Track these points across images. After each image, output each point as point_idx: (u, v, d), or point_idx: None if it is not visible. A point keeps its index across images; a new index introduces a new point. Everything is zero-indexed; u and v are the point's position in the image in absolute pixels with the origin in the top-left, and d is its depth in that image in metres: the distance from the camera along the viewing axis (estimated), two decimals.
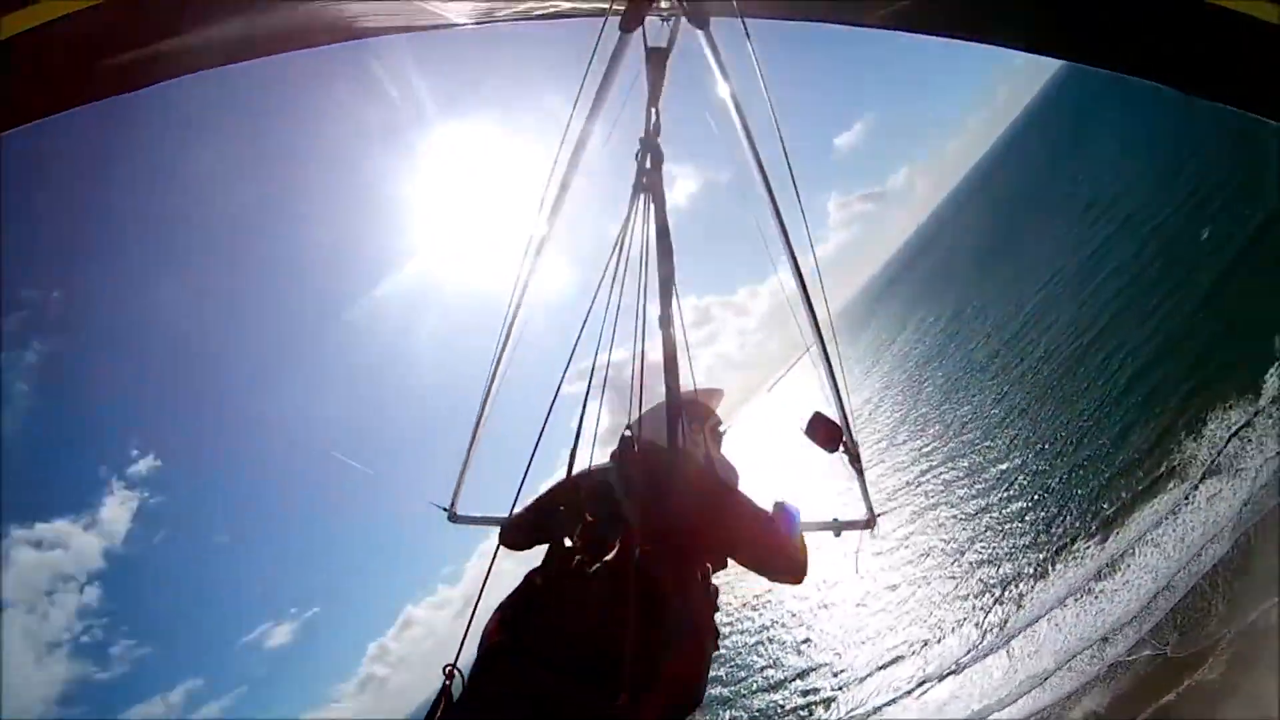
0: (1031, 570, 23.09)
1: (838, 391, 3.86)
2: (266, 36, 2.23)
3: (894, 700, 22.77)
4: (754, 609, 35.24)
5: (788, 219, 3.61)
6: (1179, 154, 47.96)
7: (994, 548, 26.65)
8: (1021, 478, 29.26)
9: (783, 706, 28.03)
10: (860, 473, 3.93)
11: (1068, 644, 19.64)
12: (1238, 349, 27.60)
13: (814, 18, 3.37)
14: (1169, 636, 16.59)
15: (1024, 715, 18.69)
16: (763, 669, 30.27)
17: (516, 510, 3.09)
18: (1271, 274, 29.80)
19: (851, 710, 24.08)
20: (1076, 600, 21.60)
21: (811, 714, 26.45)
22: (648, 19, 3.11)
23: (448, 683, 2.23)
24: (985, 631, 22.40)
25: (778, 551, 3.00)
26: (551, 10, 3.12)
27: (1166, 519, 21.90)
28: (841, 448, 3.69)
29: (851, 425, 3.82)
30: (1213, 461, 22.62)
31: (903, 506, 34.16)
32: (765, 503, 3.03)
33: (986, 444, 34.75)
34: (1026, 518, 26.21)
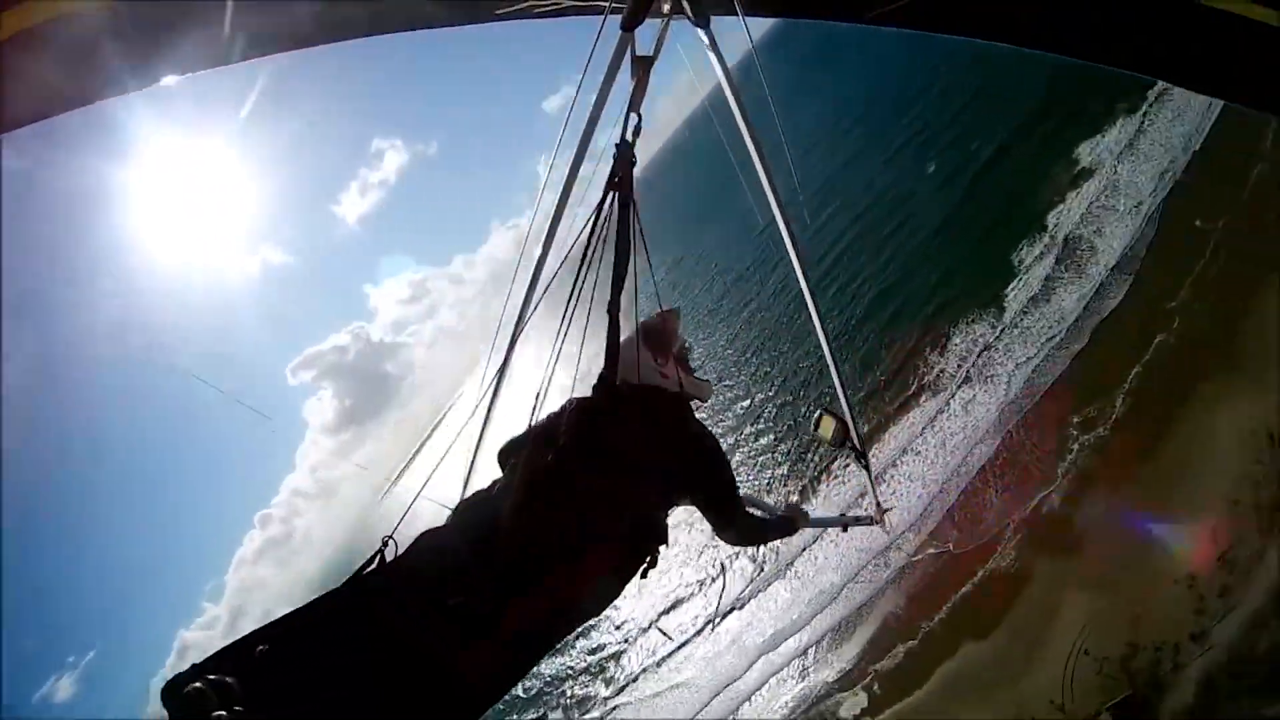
0: (797, 497, 24.63)
1: (843, 393, 3.89)
2: (270, 35, 1.85)
3: (686, 643, 23.93)
4: None
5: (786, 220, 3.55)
6: (906, 92, 55.49)
7: (753, 481, 28.46)
8: (769, 410, 31.83)
9: (573, 669, 28.70)
10: (867, 469, 4.00)
11: (850, 559, 21.27)
12: (977, 271, 32.36)
13: (814, 14, 3.30)
14: (949, 535, 19.06)
15: (823, 630, 20.20)
16: None
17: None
18: (999, 200, 35.81)
19: (645, 661, 25.22)
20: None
21: (604, 670, 27.12)
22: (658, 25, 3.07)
23: (383, 549, 2.40)
24: (761, 563, 23.93)
25: (729, 526, 3.33)
26: (551, 7, 2.76)
27: (926, 429, 24.98)
28: (847, 445, 3.79)
29: (856, 425, 3.86)
30: (964, 373, 26.48)
31: None
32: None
33: (725, 384, 37.00)
34: (780, 448, 28.49)
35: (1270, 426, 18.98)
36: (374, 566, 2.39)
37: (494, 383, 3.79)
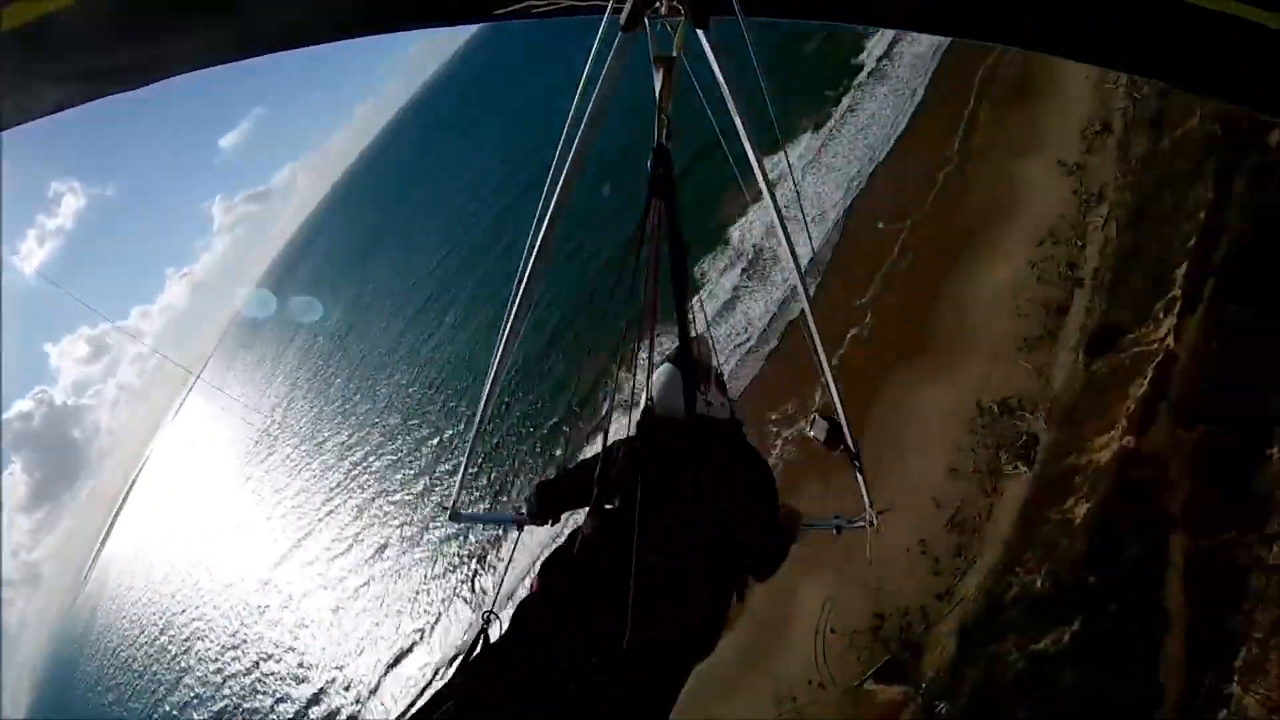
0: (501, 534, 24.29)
1: (836, 395, 3.91)
2: (274, 33, 1.84)
3: (423, 691, 22.62)
4: (233, 651, 35.26)
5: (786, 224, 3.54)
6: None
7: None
8: (459, 444, 31.27)
9: None
10: (860, 470, 4.01)
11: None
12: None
13: (815, 16, 3.31)
14: None
15: None
16: (274, 706, 29.67)
17: (552, 479, 3.38)
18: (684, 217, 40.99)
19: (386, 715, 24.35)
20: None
21: None
22: (658, 23, 3.07)
23: (485, 626, 2.42)
24: (476, 602, 23.83)
25: (771, 562, 3.20)
26: (550, 6, 2.76)
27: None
28: (841, 447, 3.82)
29: (850, 427, 3.87)
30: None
31: (344, 504, 35.80)
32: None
33: (413, 422, 37.15)
34: (482, 481, 27.96)
35: (978, 397, 21.22)
36: (481, 647, 2.39)
37: (489, 391, 3.80)
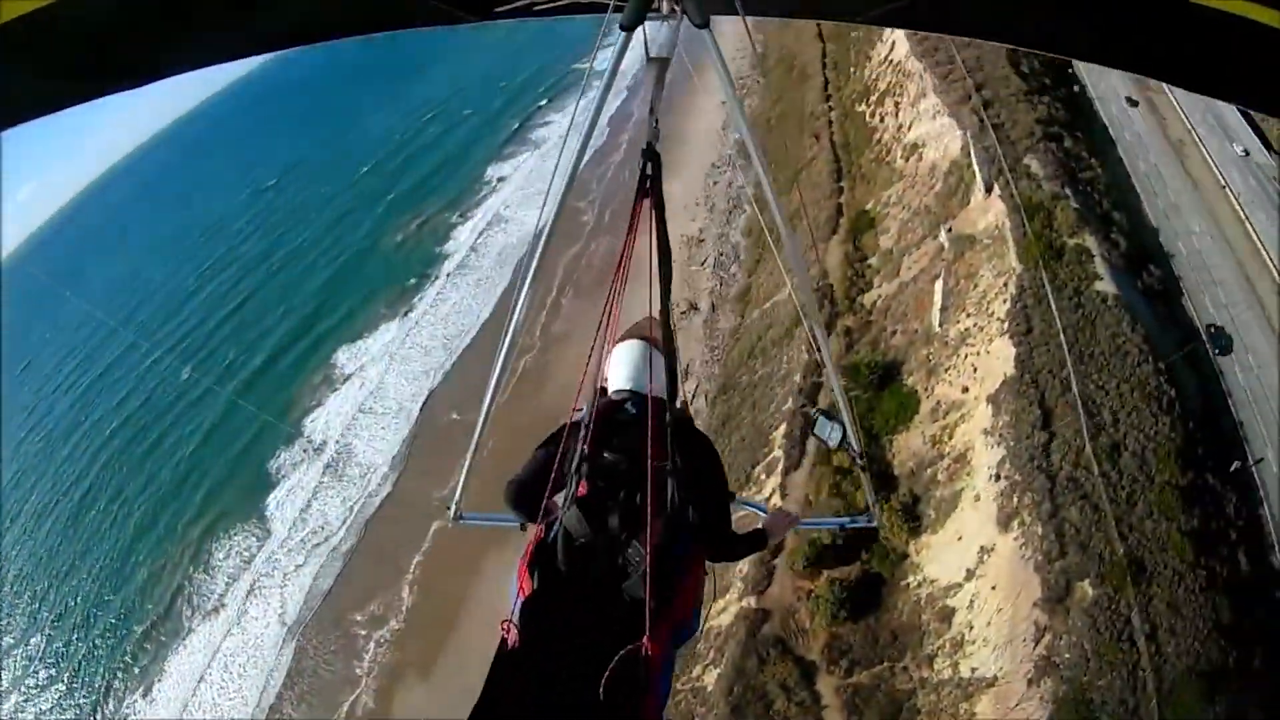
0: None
1: (843, 398, 3.91)
2: (278, 31, 1.84)
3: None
4: None
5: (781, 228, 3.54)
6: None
7: None
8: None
9: None
10: (865, 469, 4.02)
11: None
12: (240, 483, 38.25)
13: (813, 15, 3.29)
14: None
15: None
16: None
17: (520, 477, 3.33)
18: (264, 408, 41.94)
19: None
20: None
21: None
22: (658, 25, 3.02)
23: (505, 635, 2.50)
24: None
25: (726, 550, 3.34)
26: (551, 6, 2.75)
27: (214, 659, 30.18)
28: (843, 446, 3.84)
29: (855, 430, 3.87)
30: (247, 588, 32.49)
31: None
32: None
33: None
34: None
35: None
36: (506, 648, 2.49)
37: (494, 388, 3.79)
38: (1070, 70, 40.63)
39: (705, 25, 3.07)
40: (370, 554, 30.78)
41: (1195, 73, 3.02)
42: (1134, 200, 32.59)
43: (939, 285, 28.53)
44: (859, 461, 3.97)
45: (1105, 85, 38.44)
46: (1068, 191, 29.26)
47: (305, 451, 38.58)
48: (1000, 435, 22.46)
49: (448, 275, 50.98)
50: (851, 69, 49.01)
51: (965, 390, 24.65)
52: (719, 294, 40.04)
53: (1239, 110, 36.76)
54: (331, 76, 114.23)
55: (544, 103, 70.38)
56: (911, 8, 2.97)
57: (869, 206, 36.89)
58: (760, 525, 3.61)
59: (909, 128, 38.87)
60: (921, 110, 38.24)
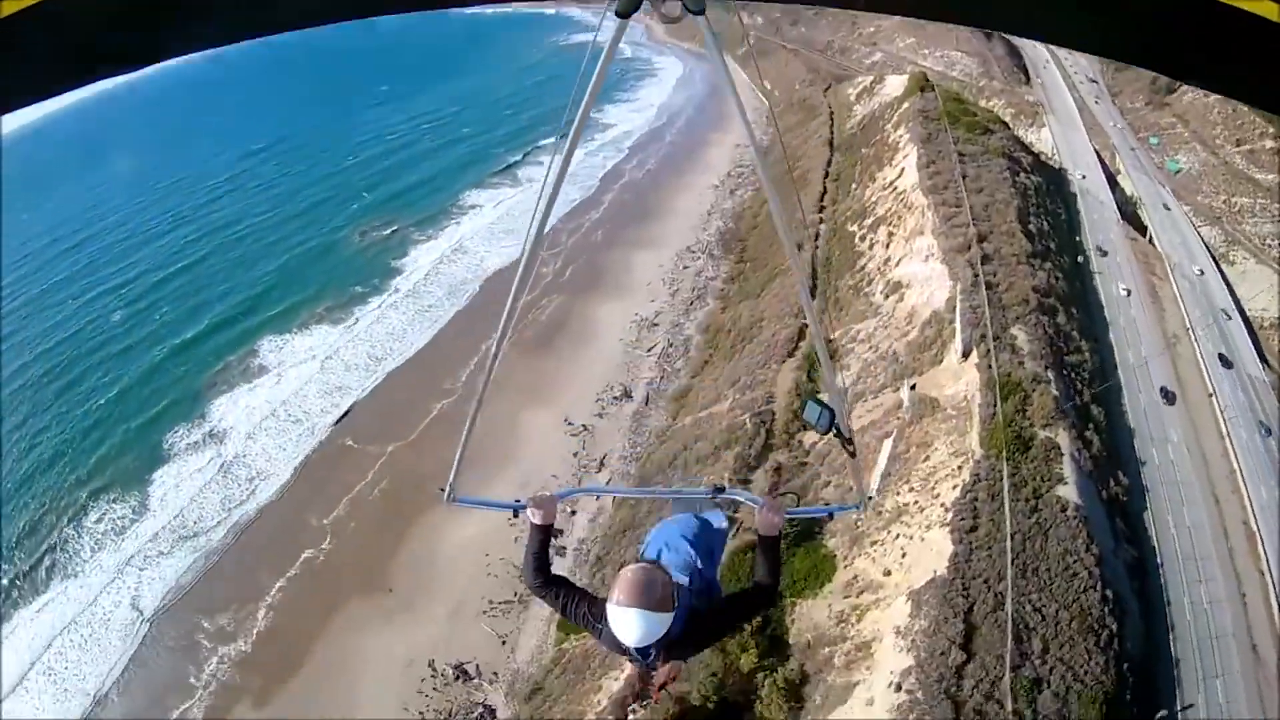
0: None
1: (834, 381, 3.94)
2: (278, 13, 1.85)
3: None
4: None
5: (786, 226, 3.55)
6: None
7: None
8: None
9: None
10: (853, 455, 4.05)
11: None
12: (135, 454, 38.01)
13: (809, 1, 3.26)
14: None
15: None
16: None
17: (554, 588, 3.69)
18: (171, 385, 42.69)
19: None
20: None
21: None
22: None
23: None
24: None
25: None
26: None
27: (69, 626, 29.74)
28: (834, 431, 3.88)
29: (845, 412, 3.91)
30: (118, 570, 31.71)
31: None
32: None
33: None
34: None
35: (433, 656, 23.41)
36: None
37: (488, 373, 3.81)
38: (1078, 239, 40.47)
39: (701, 11, 3.07)
40: (236, 563, 30.15)
41: (1193, 66, 3.01)
42: (1115, 394, 30.86)
43: (887, 445, 25.68)
44: (848, 447, 4.00)
45: (1111, 271, 38.55)
46: (1050, 375, 27.28)
47: (205, 437, 38.68)
48: (913, 641, 19.56)
49: (397, 294, 51.75)
50: (853, 185, 48.05)
51: (888, 574, 21.79)
52: (657, 388, 39.03)
53: (1238, 308, 37.17)
54: (355, 57, 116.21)
55: (545, 143, 68.31)
56: None
57: (835, 335, 34.98)
58: (755, 522, 3.73)
59: (897, 263, 37.34)
60: (915, 248, 36.71)
